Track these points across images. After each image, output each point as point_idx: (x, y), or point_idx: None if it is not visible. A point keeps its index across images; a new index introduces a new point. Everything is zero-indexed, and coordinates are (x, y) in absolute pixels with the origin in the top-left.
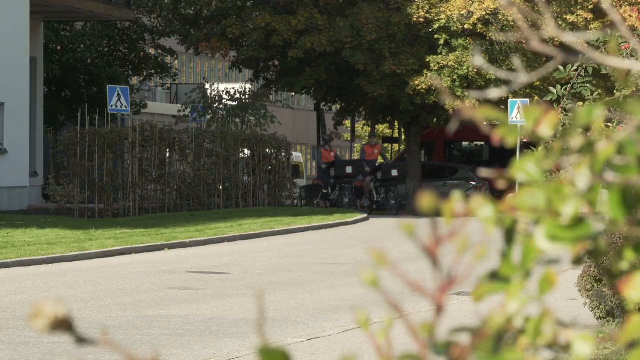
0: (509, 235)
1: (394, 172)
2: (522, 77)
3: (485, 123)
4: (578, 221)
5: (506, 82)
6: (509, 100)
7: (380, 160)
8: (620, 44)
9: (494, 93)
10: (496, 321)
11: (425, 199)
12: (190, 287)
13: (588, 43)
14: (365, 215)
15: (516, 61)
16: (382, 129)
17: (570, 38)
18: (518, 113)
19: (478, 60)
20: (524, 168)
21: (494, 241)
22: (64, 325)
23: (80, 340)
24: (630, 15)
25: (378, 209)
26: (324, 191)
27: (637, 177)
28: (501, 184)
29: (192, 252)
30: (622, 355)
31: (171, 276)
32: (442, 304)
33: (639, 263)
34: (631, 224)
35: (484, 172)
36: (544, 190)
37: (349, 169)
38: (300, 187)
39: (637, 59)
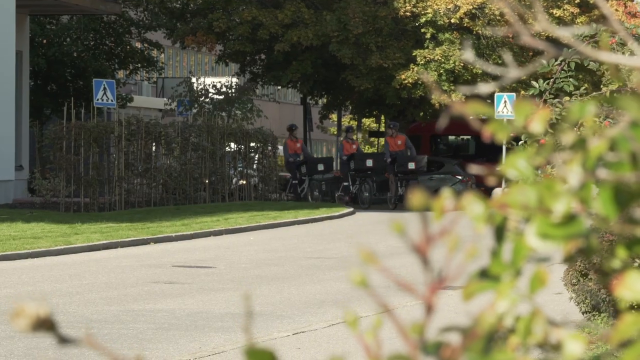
0: (499, 232)
1: (369, 162)
2: (513, 72)
3: (472, 117)
4: (570, 219)
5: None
6: (495, 94)
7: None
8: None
9: (484, 88)
10: (487, 321)
11: (417, 197)
12: (176, 281)
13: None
14: (351, 209)
15: (507, 56)
16: (369, 122)
17: (562, 33)
18: (504, 107)
19: (468, 55)
20: (515, 164)
21: (484, 238)
22: (46, 325)
23: (63, 340)
24: (616, 10)
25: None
26: (345, 184)
27: (630, 174)
28: (490, 180)
29: (178, 246)
30: (614, 355)
31: (157, 270)
32: (432, 305)
33: (631, 261)
34: (623, 222)
35: (474, 169)
36: (535, 188)
37: (369, 162)
38: (321, 179)
39: (624, 53)
